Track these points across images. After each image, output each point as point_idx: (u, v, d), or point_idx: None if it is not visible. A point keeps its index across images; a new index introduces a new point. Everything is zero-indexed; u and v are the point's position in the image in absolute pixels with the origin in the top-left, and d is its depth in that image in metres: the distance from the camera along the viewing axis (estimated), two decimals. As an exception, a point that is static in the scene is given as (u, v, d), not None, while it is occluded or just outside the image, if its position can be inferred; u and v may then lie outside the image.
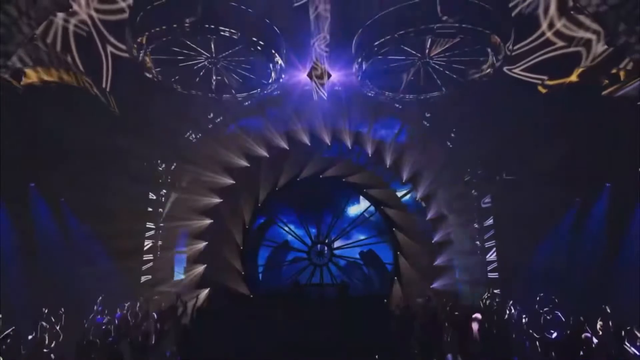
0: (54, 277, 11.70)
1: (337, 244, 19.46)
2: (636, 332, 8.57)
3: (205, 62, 12.19)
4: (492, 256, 15.15)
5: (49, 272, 11.75)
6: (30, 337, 8.06)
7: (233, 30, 9.93)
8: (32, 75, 9.70)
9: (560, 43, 10.54)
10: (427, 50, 10.76)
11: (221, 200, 17.20)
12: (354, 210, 19.82)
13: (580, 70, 10.25)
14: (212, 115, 15.93)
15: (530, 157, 12.25)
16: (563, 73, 10.81)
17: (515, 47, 10.63)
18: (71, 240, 12.83)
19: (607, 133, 10.43)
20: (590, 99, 10.21)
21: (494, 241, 15.20)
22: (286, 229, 19.24)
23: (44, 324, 8.93)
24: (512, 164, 13.41)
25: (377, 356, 8.89)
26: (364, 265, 19.23)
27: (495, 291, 13.91)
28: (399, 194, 18.69)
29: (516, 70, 11.54)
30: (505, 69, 11.48)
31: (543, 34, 10.52)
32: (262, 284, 18.26)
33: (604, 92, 9.87)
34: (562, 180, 11.71)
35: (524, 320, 10.49)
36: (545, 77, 11.25)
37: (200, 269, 16.76)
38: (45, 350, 7.48)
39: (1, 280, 10.19)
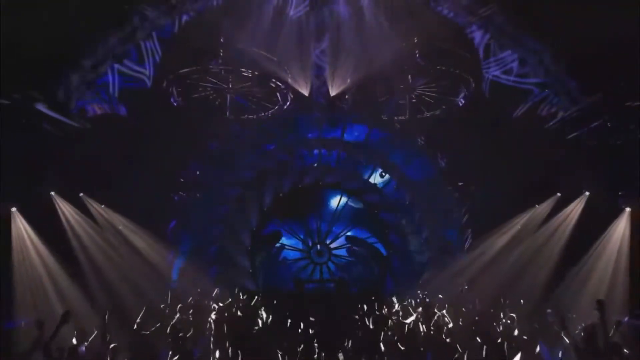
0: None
1: (335, 243, 21.45)
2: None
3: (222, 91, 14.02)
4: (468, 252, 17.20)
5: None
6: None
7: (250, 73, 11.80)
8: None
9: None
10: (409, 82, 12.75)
11: (230, 206, 19.07)
12: (349, 212, 21.73)
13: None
14: (221, 133, 17.66)
15: (499, 172, 14.32)
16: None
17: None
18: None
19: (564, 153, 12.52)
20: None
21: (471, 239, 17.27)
22: (289, 231, 21.14)
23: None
24: (484, 176, 15.43)
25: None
26: (359, 263, 21.20)
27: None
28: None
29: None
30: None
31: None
32: (267, 281, 20.05)
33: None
34: (524, 190, 13.86)
35: None
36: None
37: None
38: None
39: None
